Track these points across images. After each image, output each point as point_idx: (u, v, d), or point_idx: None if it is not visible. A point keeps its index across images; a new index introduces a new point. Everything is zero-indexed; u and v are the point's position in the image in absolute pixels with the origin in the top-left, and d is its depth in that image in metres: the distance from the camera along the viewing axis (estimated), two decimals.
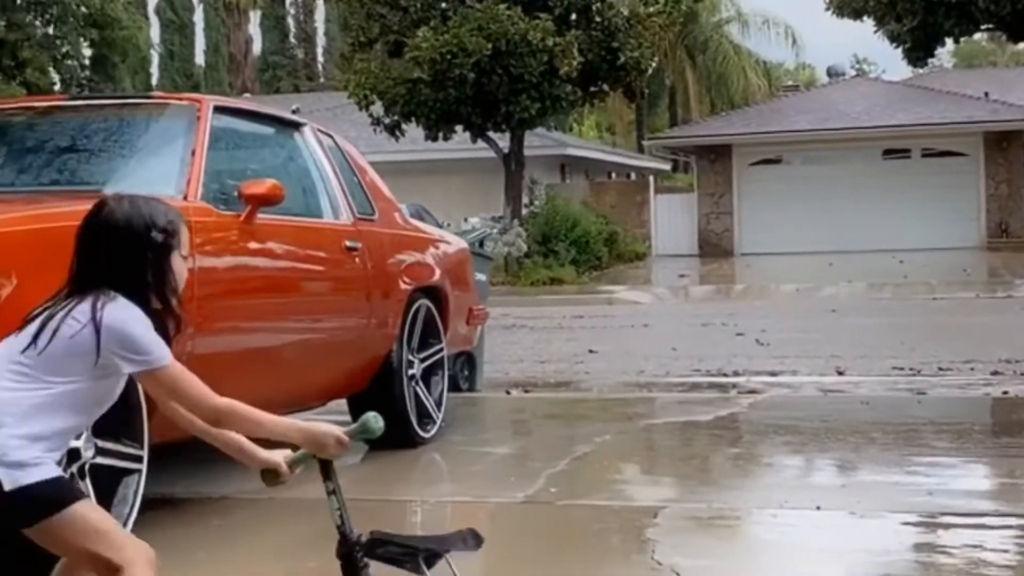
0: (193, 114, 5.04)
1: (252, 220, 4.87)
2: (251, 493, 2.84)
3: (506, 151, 23.51)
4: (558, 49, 20.73)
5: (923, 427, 6.70)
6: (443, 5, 21.63)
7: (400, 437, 6.11)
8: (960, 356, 10.43)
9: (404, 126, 22.76)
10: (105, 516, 2.70)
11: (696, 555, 4.18)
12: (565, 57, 20.79)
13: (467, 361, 8.40)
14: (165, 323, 2.75)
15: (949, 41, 26.01)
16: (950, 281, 19.63)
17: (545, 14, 21.02)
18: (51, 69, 28.92)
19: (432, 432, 6.35)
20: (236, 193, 4.84)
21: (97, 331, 2.61)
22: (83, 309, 2.64)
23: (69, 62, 29.48)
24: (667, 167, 39.09)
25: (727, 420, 7.12)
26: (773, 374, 9.82)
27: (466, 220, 22.92)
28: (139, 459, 4.03)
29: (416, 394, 6.29)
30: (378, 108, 22.40)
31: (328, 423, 2.92)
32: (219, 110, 5.20)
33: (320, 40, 55.02)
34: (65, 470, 3.69)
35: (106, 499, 3.87)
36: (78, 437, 3.75)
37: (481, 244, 11.26)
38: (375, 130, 22.75)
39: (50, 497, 2.57)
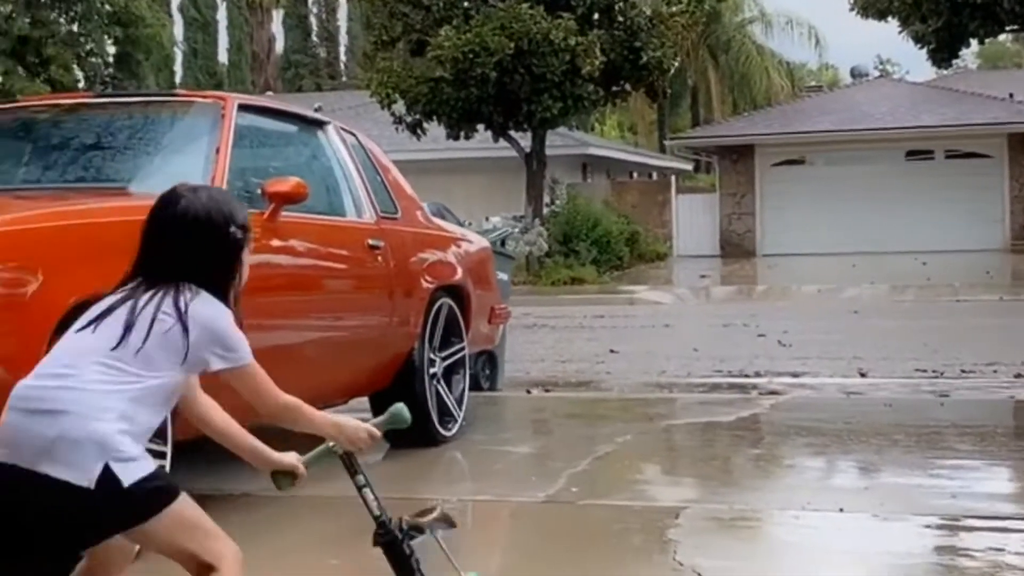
0: (218, 112, 5.05)
1: (276, 218, 4.88)
2: (273, 490, 2.85)
3: (528, 150, 23.50)
4: (580, 48, 20.70)
5: (946, 430, 6.67)
6: (466, 4, 21.62)
7: (421, 435, 6.11)
8: (983, 358, 10.37)
9: (426, 125, 22.77)
10: (200, 510, 2.67)
11: (718, 556, 4.16)
12: (587, 56, 20.76)
13: (488, 360, 8.40)
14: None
15: (974, 42, 25.89)
16: (973, 283, 19.52)
17: (567, 13, 21.00)
18: (75, 66, 29.06)
19: (453, 431, 6.36)
20: (260, 191, 4.85)
21: (187, 327, 2.60)
22: (169, 303, 2.62)
23: (93, 59, 29.62)
24: (689, 167, 39.03)
25: (749, 421, 7.10)
26: (795, 375, 9.79)
27: (487, 219, 22.91)
28: (162, 455, 4.03)
29: (438, 392, 6.30)
30: (400, 107, 22.42)
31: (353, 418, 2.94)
32: (243, 108, 5.22)
33: (342, 39, 55.11)
34: None
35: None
36: None
37: (503, 243, 11.26)
38: (397, 129, 22.77)
39: (162, 490, 2.57)
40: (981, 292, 18.46)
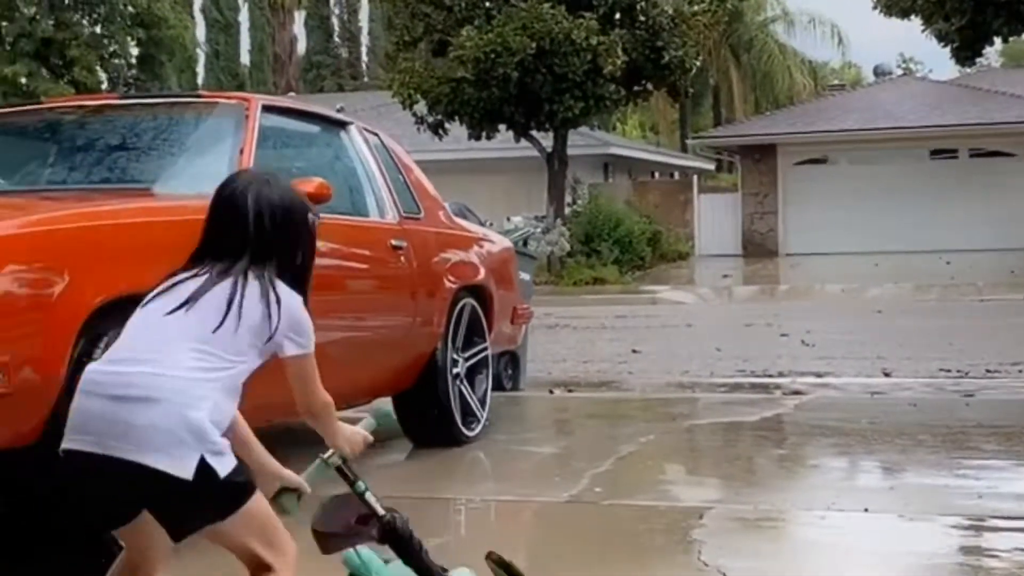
0: (241, 113, 5.06)
1: None
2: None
3: (549, 150, 23.50)
4: (602, 48, 20.69)
5: (971, 430, 6.63)
6: (487, 4, 21.64)
7: (445, 435, 6.13)
8: (1008, 358, 10.31)
9: (447, 125, 22.80)
10: (270, 508, 2.66)
11: (743, 556, 4.15)
12: (609, 56, 20.75)
13: (511, 360, 8.40)
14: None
15: (997, 40, 25.73)
16: (997, 283, 19.41)
17: (589, 13, 21.00)
18: (98, 68, 29.21)
19: (476, 431, 6.36)
20: None
21: (272, 312, 2.61)
22: (256, 288, 2.62)
23: (116, 61, 29.78)
24: (711, 167, 38.94)
25: (772, 421, 7.08)
26: (819, 375, 9.75)
27: (509, 219, 22.88)
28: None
29: (461, 393, 6.30)
30: (422, 107, 22.45)
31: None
32: (267, 109, 5.23)
33: (364, 39, 55.22)
34: None
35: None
36: None
37: (525, 243, 11.25)
38: (419, 129, 22.81)
39: (245, 485, 2.56)
40: (1005, 291, 18.35)
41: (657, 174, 36.48)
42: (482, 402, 6.52)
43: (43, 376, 3.54)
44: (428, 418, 6.12)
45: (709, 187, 33.11)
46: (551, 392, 8.83)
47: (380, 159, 6.16)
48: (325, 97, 40.26)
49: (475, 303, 6.55)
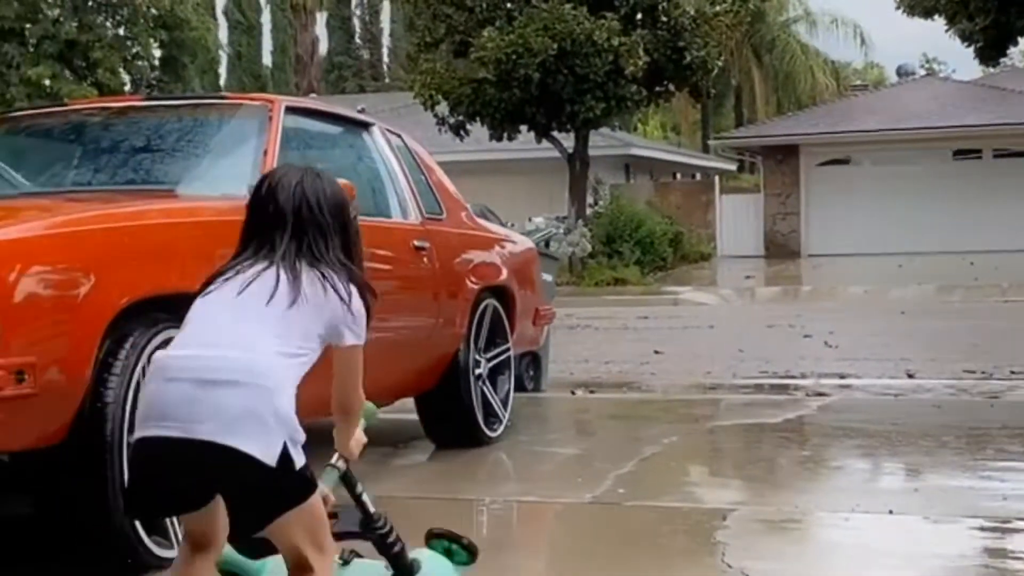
0: (265, 114, 5.08)
1: None
2: None
3: (571, 151, 23.48)
4: (624, 49, 20.67)
5: (996, 431, 6.60)
6: (509, 5, 21.63)
7: (467, 436, 6.13)
8: None
9: (469, 126, 22.81)
10: (323, 508, 2.68)
11: (767, 558, 4.14)
12: (631, 57, 20.72)
13: (532, 361, 8.40)
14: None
15: (1022, 40, 25.56)
16: (1022, 283, 19.29)
17: (611, 13, 20.97)
18: (121, 70, 29.32)
19: (498, 431, 6.36)
20: None
21: (335, 300, 2.64)
22: (318, 277, 2.65)
23: (139, 63, 29.88)
24: (733, 167, 38.85)
25: (796, 422, 7.06)
26: (842, 376, 9.72)
27: (530, 220, 22.91)
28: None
29: (483, 393, 6.30)
30: (443, 108, 22.47)
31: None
32: (290, 110, 5.24)
33: (385, 40, 55.34)
34: None
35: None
36: None
37: (547, 244, 11.27)
38: (440, 130, 22.82)
39: (312, 479, 2.59)
40: None
41: (679, 175, 36.42)
42: (504, 403, 6.52)
43: (69, 377, 3.56)
44: (450, 419, 6.12)
45: (731, 188, 33.05)
46: (573, 393, 8.82)
47: (403, 160, 6.17)
48: (347, 98, 40.37)
49: (497, 304, 6.55)
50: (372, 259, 5.58)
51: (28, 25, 27.21)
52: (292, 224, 2.70)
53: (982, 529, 4.46)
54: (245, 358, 2.50)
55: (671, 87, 23.24)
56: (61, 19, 27.66)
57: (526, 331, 7.20)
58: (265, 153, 4.85)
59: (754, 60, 42.88)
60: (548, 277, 8.66)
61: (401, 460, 6.20)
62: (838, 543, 4.43)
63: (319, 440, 2.90)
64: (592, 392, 9.00)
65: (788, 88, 42.84)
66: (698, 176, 37.39)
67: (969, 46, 23.32)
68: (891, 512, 4.61)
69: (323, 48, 53.98)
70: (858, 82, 43.51)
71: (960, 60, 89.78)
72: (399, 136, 6.38)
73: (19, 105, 22.18)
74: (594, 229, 23.45)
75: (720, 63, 22.93)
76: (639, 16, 21.84)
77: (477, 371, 6.26)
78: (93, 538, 3.69)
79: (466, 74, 21.29)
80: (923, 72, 40.41)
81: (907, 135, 27.85)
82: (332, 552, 2.66)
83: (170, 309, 3.97)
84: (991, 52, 23.36)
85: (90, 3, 28.54)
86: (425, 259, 5.91)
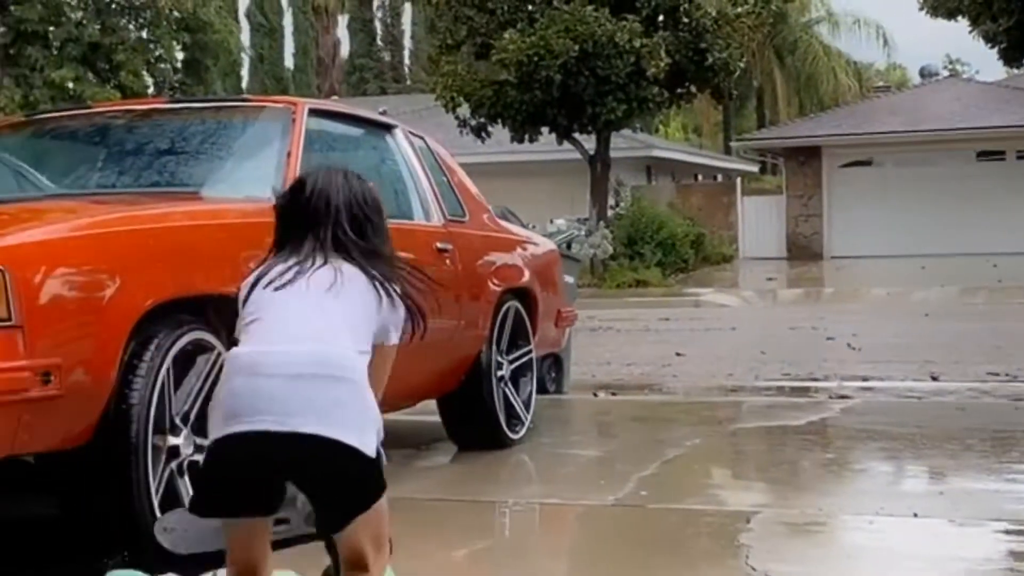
0: (288, 117, 5.08)
1: None
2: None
3: (592, 153, 23.48)
4: (645, 50, 20.65)
5: (1021, 434, 6.55)
6: (530, 7, 21.65)
7: (489, 438, 6.13)
8: None
9: (490, 128, 22.83)
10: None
11: (791, 561, 4.13)
12: (652, 58, 20.70)
13: (554, 363, 8.39)
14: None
15: None
16: None
17: (632, 15, 20.96)
18: (144, 72, 29.43)
19: (521, 433, 6.36)
20: None
21: (384, 299, 2.68)
22: (362, 276, 2.68)
23: (162, 65, 30.00)
24: (754, 169, 38.78)
25: (819, 425, 7.04)
26: (865, 379, 9.68)
27: (552, 222, 22.90)
28: None
29: (505, 395, 6.30)
30: (464, 110, 22.50)
31: None
32: (314, 113, 5.25)
33: (407, 43, 55.45)
34: (164, 467, 3.76)
35: None
36: (177, 435, 3.82)
37: (568, 246, 11.24)
38: (461, 132, 22.85)
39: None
40: None
41: (700, 176, 36.36)
42: (526, 405, 6.51)
43: (94, 378, 3.57)
44: (472, 421, 6.12)
45: (753, 189, 32.98)
46: (595, 395, 8.81)
47: (425, 162, 6.17)
48: (368, 100, 40.46)
49: (520, 306, 6.54)
50: None
51: (52, 28, 27.34)
52: (345, 222, 2.73)
53: (1007, 532, 4.43)
54: (335, 353, 2.54)
55: (693, 88, 23.22)
56: (84, 22, 27.79)
57: (548, 333, 7.19)
58: (289, 155, 4.85)
59: (776, 61, 42.77)
60: (570, 279, 8.66)
61: (423, 462, 6.20)
62: (862, 546, 4.40)
63: None
64: (614, 394, 8.99)
65: (810, 89, 42.71)
66: (720, 178, 37.32)
67: (993, 47, 23.26)
68: (916, 515, 4.59)
69: (344, 50, 54.19)
70: (881, 83, 43.31)
71: (983, 61, 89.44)
72: (422, 138, 6.38)
73: (43, 107, 22.30)
74: (615, 231, 23.43)
75: (742, 64, 22.89)
76: (661, 17, 21.82)
77: (499, 373, 6.25)
78: (118, 539, 3.71)
79: (487, 76, 21.30)
80: (946, 73, 40.24)
81: (930, 136, 27.73)
82: (387, 554, 2.66)
83: (195, 311, 3.99)
84: (1014, 53, 23.30)
85: (113, 6, 28.68)
86: (448, 261, 5.90)
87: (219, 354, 4.00)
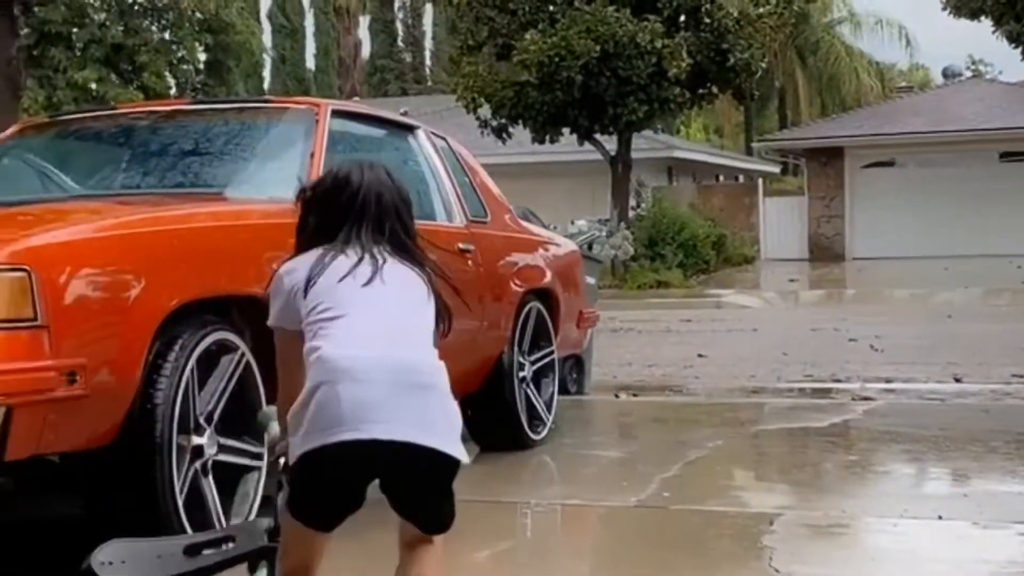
0: (312, 118, 5.10)
1: None
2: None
3: (613, 153, 23.45)
4: (667, 51, 20.61)
5: None
6: (551, 8, 21.65)
7: (511, 439, 6.13)
8: None
9: (511, 129, 22.83)
10: None
11: (814, 563, 4.11)
12: (674, 59, 20.66)
13: (576, 364, 8.38)
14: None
15: None
16: None
17: (654, 16, 20.92)
18: (167, 73, 29.55)
19: (542, 434, 6.36)
20: None
21: (438, 299, 2.72)
22: (418, 277, 2.70)
23: (184, 67, 30.09)
24: (776, 170, 38.67)
25: (842, 427, 7.01)
26: (888, 381, 9.64)
27: (573, 223, 22.91)
28: (259, 457, 4.09)
29: (527, 396, 6.29)
30: (486, 111, 22.51)
31: None
32: (336, 114, 5.26)
33: (428, 43, 55.50)
34: (188, 467, 3.78)
35: (227, 496, 3.94)
36: (201, 434, 3.83)
37: (590, 247, 11.25)
38: (482, 133, 22.85)
39: None
40: None
41: (721, 177, 36.28)
42: (548, 406, 6.51)
43: (119, 378, 3.59)
44: (494, 422, 6.12)
45: (775, 190, 32.89)
46: (616, 396, 8.80)
47: (447, 163, 6.18)
48: (389, 101, 40.51)
49: (541, 307, 6.54)
50: None
51: (75, 29, 27.48)
52: (400, 218, 2.74)
53: None
54: (428, 362, 2.56)
55: (714, 89, 23.17)
56: (107, 23, 27.90)
57: (570, 334, 7.19)
58: (312, 156, 4.87)
59: (798, 62, 42.65)
60: (591, 280, 8.65)
61: None
62: (886, 548, 4.39)
63: None
64: (635, 395, 8.97)
65: (832, 90, 42.58)
66: (741, 179, 37.23)
67: (1016, 47, 23.13)
68: (940, 517, 4.57)
69: (366, 51, 54.28)
70: (903, 84, 43.11)
71: (1007, 61, 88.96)
72: (444, 139, 6.39)
73: (66, 108, 22.42)
74: (636, 232, 23.40)
75: (764, 65, 22.83)
76: (682, 18, 21.79)
77: (521, 374, 6.25)
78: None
79: (508, 77, 21.31)
80: (969, 74, 40.04)
81: (953, 137, 27.61)
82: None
83: (219, 311, 4.01)
84: None
85: (136, 7, 28.79)
86: (470, 262, 5.91)
87: (243, 354, 4.02)
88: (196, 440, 3.80)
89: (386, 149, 6.08)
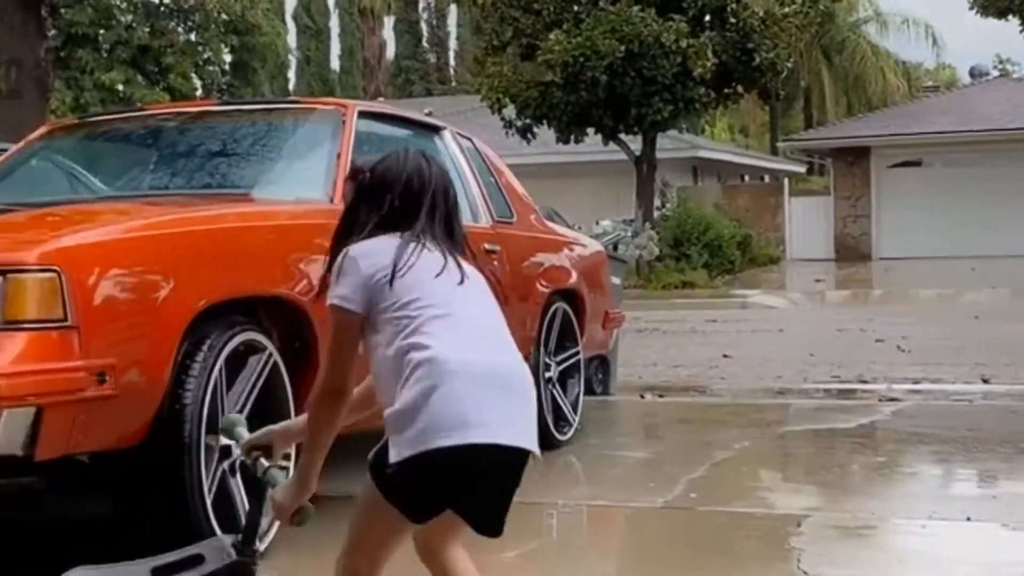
0: (339, 118, 5.11)
1: None
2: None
3: (638, 153, 23.41)
4: (692, 51, 20.57)
5: None
6: (576, 8, 21.62)
7: (537, 439, 6.12)
8: None
9: (536, 129, 22.83)
10: None
11: (842, 565, 4.10)
12: (699, 59, 20.61)
13: (601, 364, 8.38)
14: None
15: None
16: None
17: (679, 15, 20.88)
18: (193, 75, 29.66)
19: (568, 435, 6.36)
20: None
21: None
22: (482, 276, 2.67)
23: (210, 68, 30.19)
24: (802, 169, 38.52)
25: (869, 428, 6.98)
26: (915, 381, 9.58)
27: (598, 223, 22.89)
28: (287, 456, 4.09)
29: (553, 397, 6.30)
30: (510, 111, 22.51)
31: None
32: (363, 115, 5.27)
33: (452, 44, 55.56)
34: (216, 467, 3.79)
35: (255, 495, 3.94)
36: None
37: (615, 247, 11.24)
38: (507, 133, 22.85)
39: None
40: None
41: (747, 177, 36.17)
42: (574, 406, 6.51)
43: (148, 378, 3.60)
44: None
45: (800, 190, 32.76)
46: (642, 396, 8.79)
47: (473, 163, 6.18)
48: (413, 102, 40.56)
49: (567, 307, 6.54)
50: None
51: (102, 31, 27.61)
52: (457, 214, 2.71)
53: None
54: (523, 368, 2.56)
55: (740, 89, 23.10)
56: (134, 25, 28.02)
57: (596, 334, 7.18)
58: (339, 157, 4.88)
59: (824, 61, 42.49)
60: (616, 280, 8.63)
61: None
62: (914, 550, 4.37)
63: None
64: (661, 396, 8.95)
65: (858, 89, 42.40)
66: (766, 178, 37.10)
67: None
68: (969, 519, 4.55)
69: (390, 52, 54.36)
70: (930, 83, 42.87)
71: None
72: (470, 139, 6.40)
73: (94, 110, 22.54)
74: (661, 232, 23.36)
75: (789, 64, 22.74)
76: (707, 17, 21.73)
77: (547, 374, 6.25)
78: (171, 539, 3.73)
79: (533, 77, 21.30)
80: (996, 73, 39.76)
81: (980, 137, 27.45)
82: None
83: (247, 312, 4.02)
84: None
85: (162, 9, 28.92)
86: (496, 262, 5.91)
87: (270, 355, 4.03)
88: (224, 440, 3.81)
89: None
